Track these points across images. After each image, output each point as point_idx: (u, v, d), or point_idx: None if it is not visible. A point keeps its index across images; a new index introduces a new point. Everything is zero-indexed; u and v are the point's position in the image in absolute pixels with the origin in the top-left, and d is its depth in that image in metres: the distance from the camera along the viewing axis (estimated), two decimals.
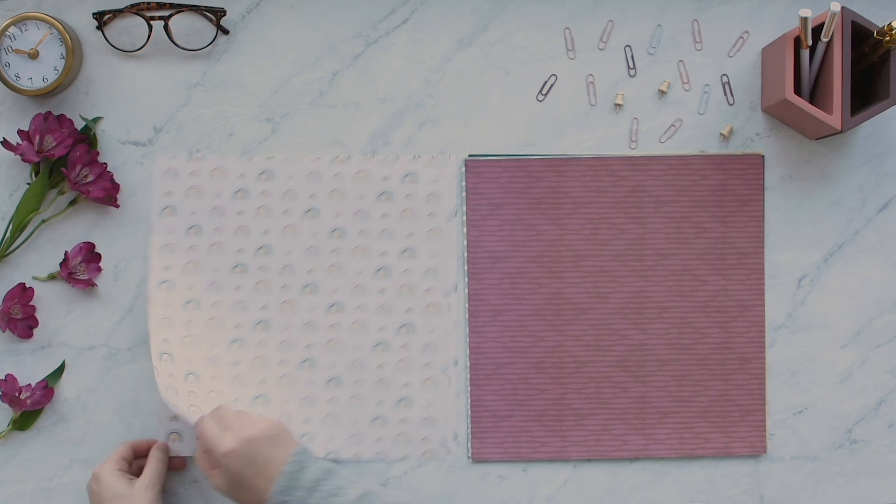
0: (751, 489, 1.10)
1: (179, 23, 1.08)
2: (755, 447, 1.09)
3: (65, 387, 1.08)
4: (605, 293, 1.09)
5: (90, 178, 1.05)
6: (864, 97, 1.06)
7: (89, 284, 1.07)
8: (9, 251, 1.07)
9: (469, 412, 1.09)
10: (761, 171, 1.09)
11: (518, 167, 1.08)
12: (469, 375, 1.08)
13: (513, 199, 1.08)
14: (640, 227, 1.08)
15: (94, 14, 1.06)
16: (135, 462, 1.05)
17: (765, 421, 1.09)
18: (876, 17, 1.09)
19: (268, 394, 1.07)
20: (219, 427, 0.97)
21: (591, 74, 1.10)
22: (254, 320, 1.06)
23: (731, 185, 1.09)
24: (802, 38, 1.00)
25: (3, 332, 1.07)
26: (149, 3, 1.06)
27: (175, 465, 1.06)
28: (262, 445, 0.94)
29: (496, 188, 1.08)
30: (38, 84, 1.05)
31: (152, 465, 1.02)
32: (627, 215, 1.08)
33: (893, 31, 0.97)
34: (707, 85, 1.10)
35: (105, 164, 1.06)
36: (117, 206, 1.08)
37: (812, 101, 1.06)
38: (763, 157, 1.09)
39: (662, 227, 1.09)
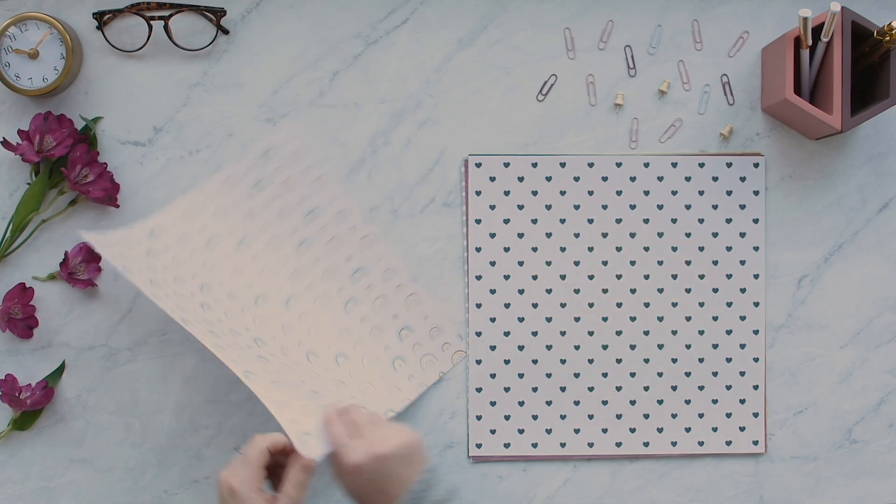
0: (751, 489, 1.10)
1: (179, 23, 1.08)
2: (755, 447, 1.09)
3: (65, 387, 1.08)
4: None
5: (90, 178, 1.05)
6: (864, 97, 1.06)
7: (89, 284, 1.07)
8: (9, 251, 1.07)
9: (469, 411, 1.09)
10: (762, 171, 1.09)
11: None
12: (469, 375, 1.09)
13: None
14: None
15: (94, 14, 1.06)
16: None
17: (765, 421, 1.09)
18: (876, 17, 1.09)
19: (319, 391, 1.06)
20: (348, 433, 0.90)
21: (591, 74, 1.10)
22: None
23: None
24: (802, 38, 1.00)
25: (3, 332, 1.07)
26: (149, 3, 1.06)
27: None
28: (392, 464, 0.88)
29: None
30: (38, 84, 1.05)
31: (295, 490, 0.87)
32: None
33: (893, 31, 0.97)
34: (707, 85, 1.10)
35: (105, 164, 1.06)
36: (117, 206, 1.08)
37: (812, 101, 1.06)
38: (763, 156, 1.09)
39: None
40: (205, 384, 1.09)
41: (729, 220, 1.09)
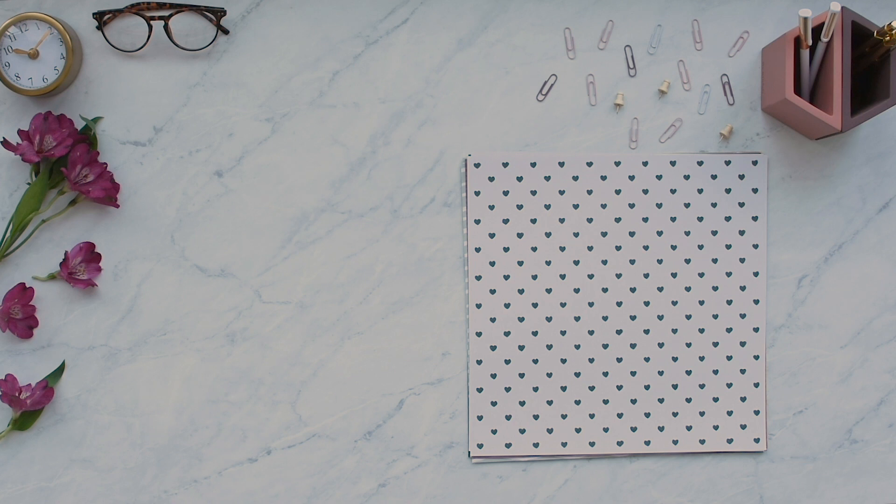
0: (751, 489, 1.10)
1: (179, 23, 1.08)
2: (756, 445, 1.09)
3: (65, 387, 1.08)
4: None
5: (90, 178, 1.05)
6: (864, 97, 1.06)
7: (89, 284, 1.07)
8: (9, 251, 1.07)
9: (469, 412, 1.09)
10: (761, 168, 1.09)
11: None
12: (470, 375, 1.09)
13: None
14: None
15: (94, 14, 1.06)
16: None
17: (765, 419, 1.09)
18: (876, 17, 1.09)
19: None
20: None
21: (591, 74, 1.10)
22: None
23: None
24: (802, 38, 1.00)
25: (3, 332, 1.07)
26: (149, 3, 1.06)
27: None
28: None
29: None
30: (38, 84, 1.05)
31: None
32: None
33: (893, 31, 0.97)
34: (707, 85, 1.10)
35: (105, 164, 1.06)
36: (117, 206, 1.08)
37: (812, 101, 1.06)
38: (763, 154, 1.09)
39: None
40: (205, 384, 1.09)
41: (728, 218, 1.09)
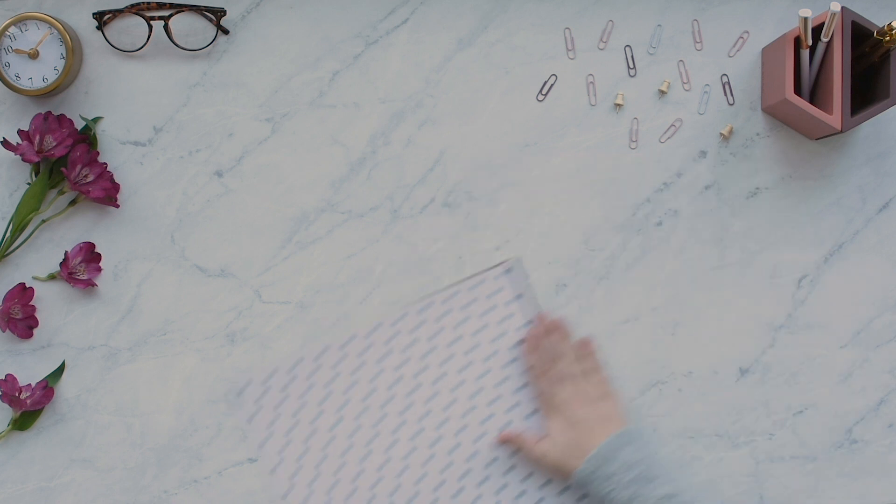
0: (751, 489, 1.10)
1: (179, 23, 1.08)
2: None
3: (65, 387, 1.08)
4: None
5: (90, 178, 1.06)
6: (864, 97, 1.06)
7: (89, 284, 1.07)
8: (9, 251, 1.07)
9: None
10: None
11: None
12: None
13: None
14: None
15: (94, 14, 1.06)
16: None
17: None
18: (876, 17, 1.09)
19: None
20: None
21: (591, 74, 1.10)
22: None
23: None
24: (802, 38, 1.00)
25: (3, 332, 1.07)
26: (149, 3, 1.06)
27: None
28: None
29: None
30: (38, 84, 1.05)
31: None
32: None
33: (893, 31, 0.97)
34: (707, 85, 1.10)
35: (105, 164, 1.06)
36: (117, 206, 1.08)
37: (812, 101, 1.06)
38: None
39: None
40: (205, 384, 1.09)
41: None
